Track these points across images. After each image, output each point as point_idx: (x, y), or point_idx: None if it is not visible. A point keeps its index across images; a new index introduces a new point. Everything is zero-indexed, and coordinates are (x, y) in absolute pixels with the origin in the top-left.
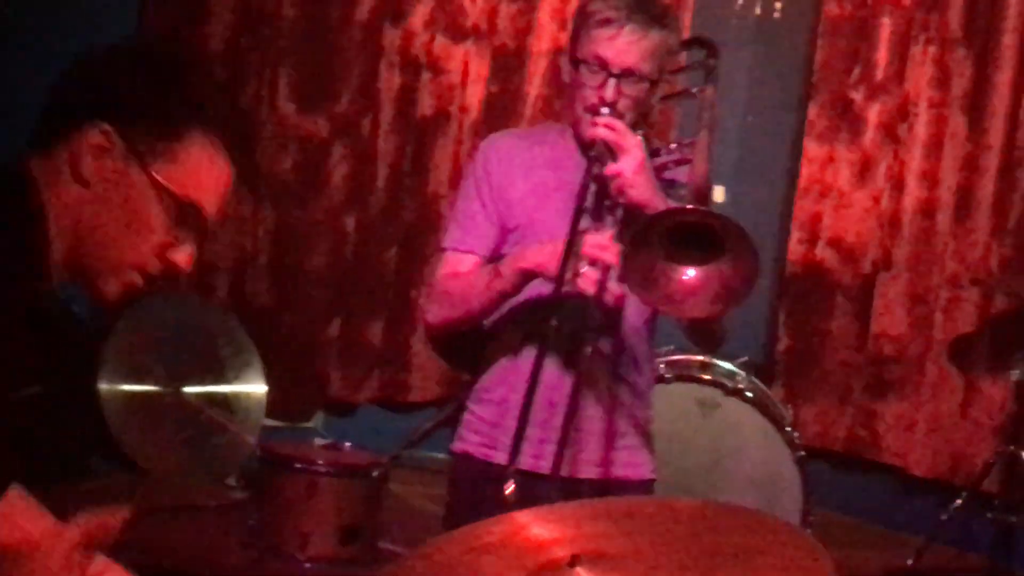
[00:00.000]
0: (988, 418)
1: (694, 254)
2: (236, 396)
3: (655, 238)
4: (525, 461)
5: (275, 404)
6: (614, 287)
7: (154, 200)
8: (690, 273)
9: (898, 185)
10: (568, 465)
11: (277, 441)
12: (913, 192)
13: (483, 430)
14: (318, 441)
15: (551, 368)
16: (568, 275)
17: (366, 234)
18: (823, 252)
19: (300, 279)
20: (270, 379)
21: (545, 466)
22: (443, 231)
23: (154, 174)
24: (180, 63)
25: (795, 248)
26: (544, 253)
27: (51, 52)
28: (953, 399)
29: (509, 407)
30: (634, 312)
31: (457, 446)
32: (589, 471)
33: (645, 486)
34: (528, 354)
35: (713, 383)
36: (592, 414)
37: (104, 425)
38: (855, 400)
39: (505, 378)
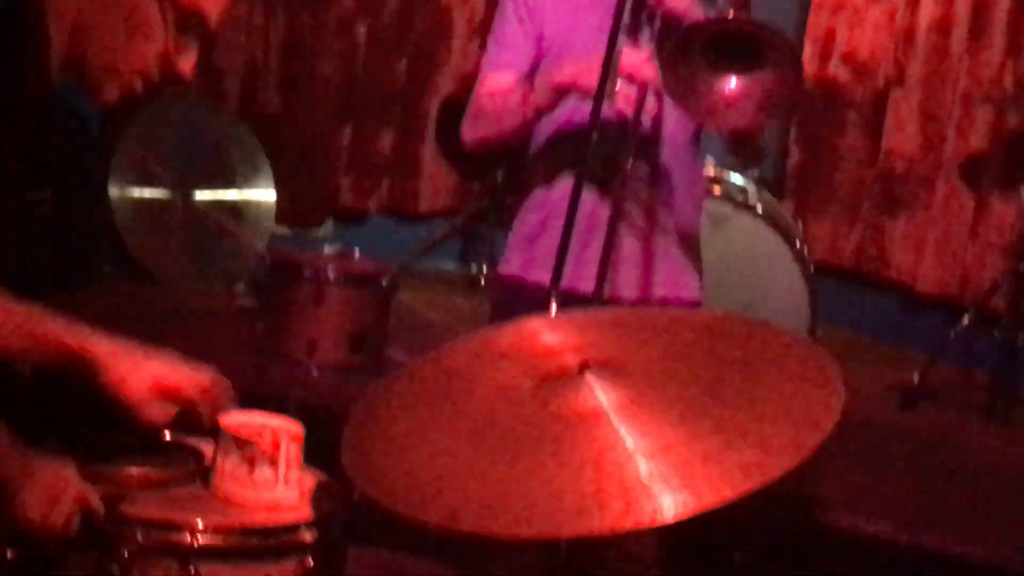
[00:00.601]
0: (997, 236)
1: (735, 64)
2: (245, 203)
3: (695, 49)
4: (566, 282)
5: (284, 211)
6: (651, 106)
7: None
8: (732, 83)
9: (913, 1)
10: (609, 285)
11: (286, 248)
12: (928, 8)
13: (525, 250)
14: (327, 249)
15: (589, 192)
16: (605, 92)
17: (377, 43)
18: (836, 68)
19: (310, 87)
20: (279, 186)
21: (586, 287)
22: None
23: None
24: None
25: (808, 64)
26: (580, 68)
27: None
28: (963, 217)
29: (548, 229)
30: (677, 129)
31: (502, 268)
32: (630, 291)
33: (690, 306)
34: (566, 180)
35: (723, 197)
36: (631, 235)
37: (114, 231)
38: (864, 217)
39: (544, 203)
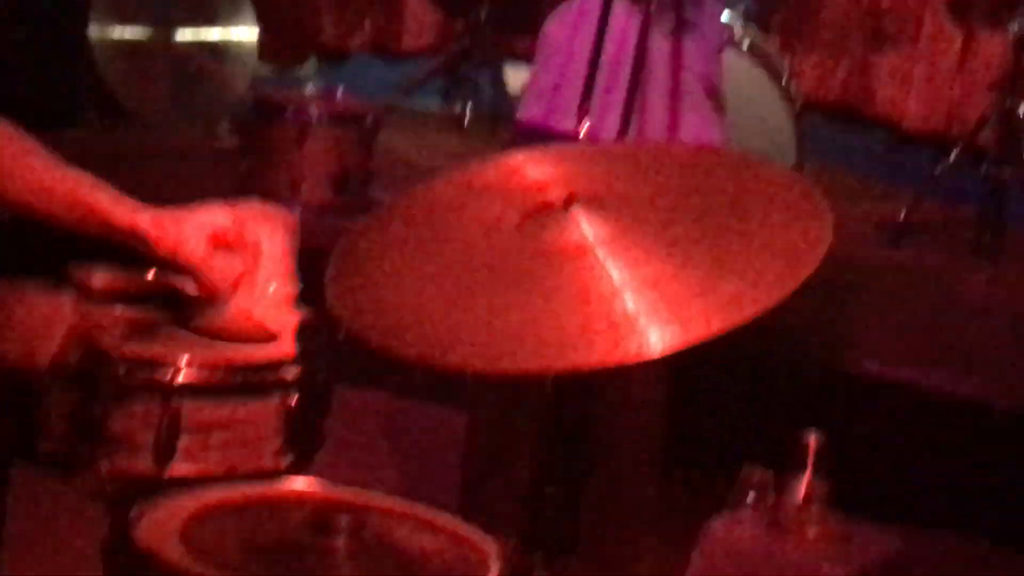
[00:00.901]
0: (984, 72)
1: None
2: (227, 42)
3: None
4: (604, 131)
5: (266, 50)
6: None
7: None
8: None
9: None
10: (634, 130)
11: (268, 87)
12: None
13: (547, 94)
14: (309, 88)
15: (616, 16)
16: None
17: None
18: None
19: None
20: (261, 25)
21: (610, 130)
22: None
23: None
24: None
25: None
26: None
27: None
28: (950, 52)
29: (572, 62)
30: None
31: (523, 114)
32: (655, 134)
33: None
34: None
35: None
36: (658, 71)
37: (95, 71)
38: (851, 52)
39: (563, 24)
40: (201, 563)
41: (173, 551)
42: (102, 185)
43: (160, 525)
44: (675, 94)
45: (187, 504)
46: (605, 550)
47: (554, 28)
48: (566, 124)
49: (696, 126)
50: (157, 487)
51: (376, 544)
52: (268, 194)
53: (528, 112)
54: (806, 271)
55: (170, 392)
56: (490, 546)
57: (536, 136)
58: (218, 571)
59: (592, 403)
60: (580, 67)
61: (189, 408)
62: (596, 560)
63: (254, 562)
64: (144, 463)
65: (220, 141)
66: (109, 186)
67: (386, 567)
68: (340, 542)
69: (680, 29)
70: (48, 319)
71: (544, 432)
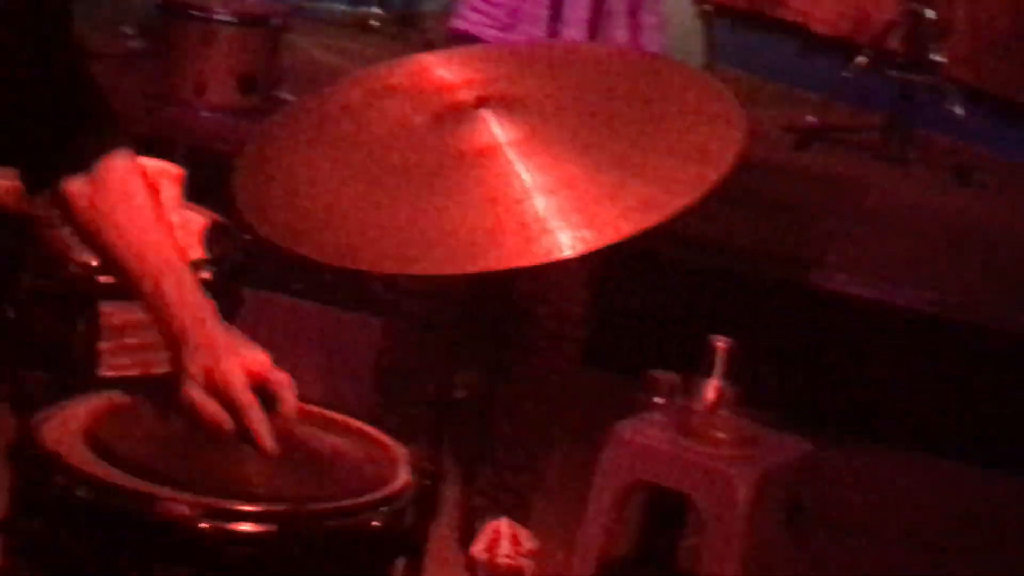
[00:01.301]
0: None
1: None
2: None
3: None
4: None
5: None
6: None
7: None
8: None
9: None
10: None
11: None
12: None
13: (483, 7)
14: None
15: None
16: None
17: None
18: None
19: None
20: None
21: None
22: None
23: None
24: None
25: None
26: None
27: None
28: None
29: None
30: None
31: (457, 24)
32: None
33: None
34: None
35: None
36: None
37: None
38: None
39: None
40: (103, 463)
41: (75, 452)
42: (181, 262)
43: (64, 427)
44: (633, 11)
45: (94, 406)
46: (517, 454)
47: None
48: (497, 35)
49: (650, 36)
50: (72, 389)
51: (283, 441)
52: (174, 96)
53: (463, 23)
54: (718, 173)
55: (87, 296)
56: (400, 450)
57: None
58: (119, 470)
59: (507, 307)
60: None
61: (105, 311)
62: (507, 464)
63: (158, 459)
64: (61, 366)
65: (126, 44)
66: (187, 263)
67: (294, 463)
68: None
69: None
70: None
71: (457, 336)
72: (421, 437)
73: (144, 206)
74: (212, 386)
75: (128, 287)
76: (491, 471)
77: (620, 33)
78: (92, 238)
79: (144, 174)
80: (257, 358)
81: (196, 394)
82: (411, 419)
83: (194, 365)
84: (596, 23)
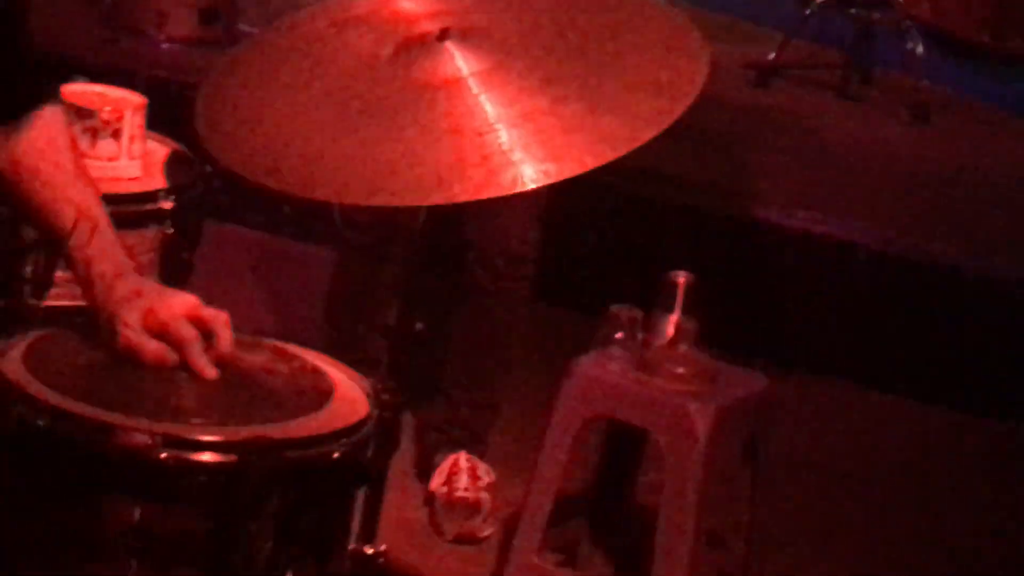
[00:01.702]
0: None
1: None
2: None
3: None
4: None
5: None
6: None
7: None
8: None
9: None
10: None
11: None
12: None
13: None
14: None
15: None
16: None
17: None
18: None
19: None
20: None
21: None
22: None
23: None
24: None
25: None
26: None
27: None
28: None
29: None
30: None
31: None
32: None
33: None
34: None
35: None
36: None
37: None
38: None
39: None
40: (36, 382)
41: (12, 370)
42: (102, 217)
43: (9, 349)
44: None
45: (36, 337)
46: (471, 389)
47: None
48: None
49: None
50: (34, 318)
51: (227, 371)
52: (134, 28)
53: None
54: (680, 107)
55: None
56: (360, 380)
57: None
58: (50, 388)
59: (462, 237)
60: None
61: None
62: (462, 399)
63: (94, 379)
64: (22, 295)
65: None
66: (107, 218)
67: (241, 391)
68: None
69: None
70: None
71: (411, 267)
72: (376, 369)
73: (65, 159)
74: (150, 328)
75: (48, 240)
76: (446, 405)
77: None
78: (11, 188)
79: (66, 126)
80: (188, 300)
81: (135, 336)
82: (367, 353)
83: (129, 312)
84: None
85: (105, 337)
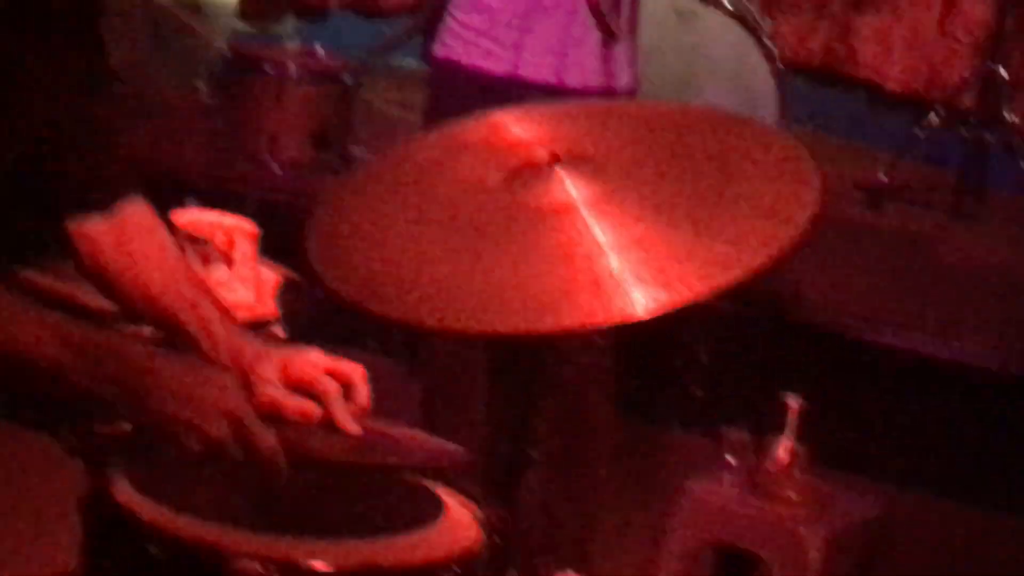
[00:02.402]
0: (965, 33)
1: None
2: None
3: None
4: (508, 68)
5: (245, 7)
6: None
7: None
8: None
9: None
10: (560, 73)
11: (247, 44)
12: None
13: (469, 37)
14: (289, 45)
15: None
16: None
17: None
18: None
19: None
20: None
21: (537, 74)
22: None
23: None
24: None
25: None
26: None
27: None
28: (931, 13)
29: (496, 12)
30: None
31: (440, 51)
32: (584, 79)
33: (630, 94)
34: None
35: None
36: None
37: None
38: (832, 13)
39: None
40: (181, 519)
41: (152, 511)
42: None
43: (137, 486)
44: (604, 40)
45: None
46: (569, 508)
47: None
48: (489, 66)
49: (632, 67)
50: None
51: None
52: (247, 151)
53: (446, 50)
54: (793, 233)
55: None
56: (470, 506)
57: (453, 73)
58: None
59: (536, 359)
60: (503, 15)
61: None
62: (566, 515)
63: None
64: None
65: (199, 97)
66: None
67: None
68: None
69: None
70: (207, 386)
71: (495, 382)
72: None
73: (167, 244)
74: (289, 384)
75: (156, 325)
76: (548, 523)
77: (590, 62)
78: (114, 279)
79: (156, 218)
80: (321, 354)
81: (276, 392)
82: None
83: (265, 369)
84: (564, 52)
85: (229, 403)
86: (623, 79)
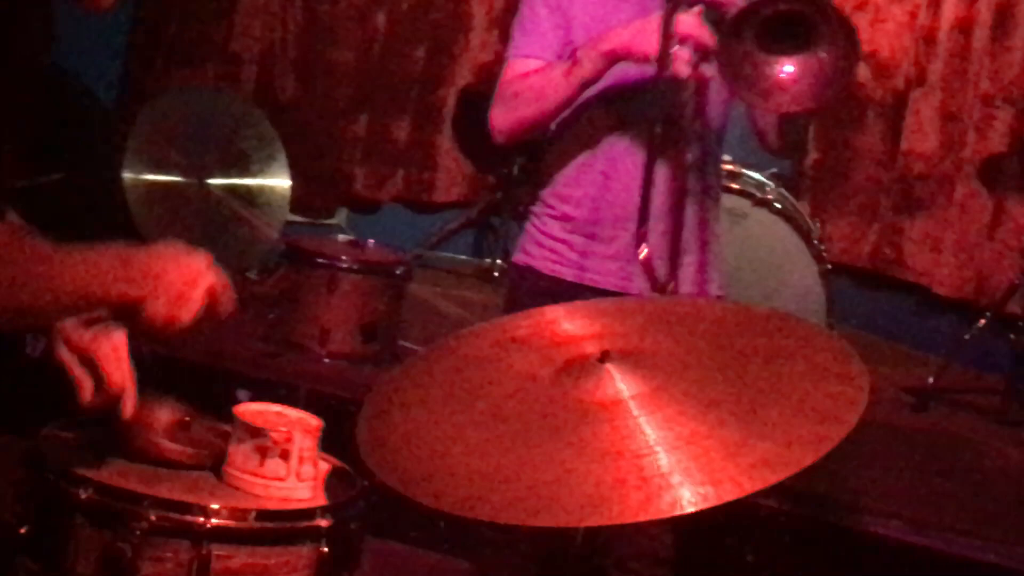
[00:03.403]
0: (1015, 239)
1: (789, 44)
2: (260, 189)
3: (748, 31)
4: (596, 278)
5: (299, 199)
6: (708, 71)
7: None
8: (788, 68)
9: (935, 0)
10: (624, 281)
11: (300, 235)
12: (950, 8)
13: (547, 244)
14: (341, 237)
15: (632, 170)
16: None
17: (395, 31)
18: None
19: (327, 74)
20: (294, 174)
21: (614, 283)
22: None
23: None
24: None
25: None
26: (633, 33)
27: None
28: (980, 219)
29: (578, 221)
30: (716, 116)
31: (519, 258)
32: (688, 289)
33: None
34: (607, 148)
35: (742, 192)
36: (688, 226)
37: (127, 214)
38: (882, 217)
39: (579, 180)
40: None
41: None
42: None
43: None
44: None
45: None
46: None
47: (561, 182)
48: (564, 274)
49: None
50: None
51: None
52: (297, 343)
53: (526, 257)
54: (840, 433)
55: (201, 537)
56: None
57: (532, 278)
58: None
59: (596, 543)
60: (584, 225)
61: (218, 553)
62: None
63: None
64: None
65: (250, 287)
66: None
67: None
68: None
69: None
70: (193, 279)
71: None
72: None
73: (39, 245)
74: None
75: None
76: None
77: (689, 271)
78: None
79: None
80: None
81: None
82: None
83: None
84: (674, 261)
85: None
86: (693, 290)
